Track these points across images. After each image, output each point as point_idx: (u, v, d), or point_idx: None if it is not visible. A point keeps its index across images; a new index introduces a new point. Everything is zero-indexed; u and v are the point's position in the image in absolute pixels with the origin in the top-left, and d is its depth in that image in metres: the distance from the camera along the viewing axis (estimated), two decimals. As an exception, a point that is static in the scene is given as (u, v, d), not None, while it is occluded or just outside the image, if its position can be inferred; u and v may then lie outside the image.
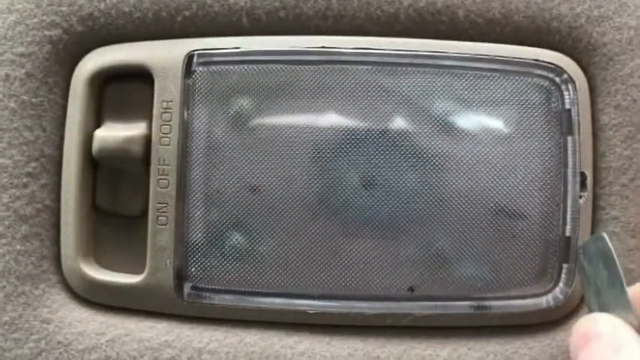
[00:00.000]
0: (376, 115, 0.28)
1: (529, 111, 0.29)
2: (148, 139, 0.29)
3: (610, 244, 0.23)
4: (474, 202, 0.28)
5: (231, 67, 0.29)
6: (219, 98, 0.29)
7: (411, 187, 0.28)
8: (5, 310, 0.28)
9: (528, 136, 0.28)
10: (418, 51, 0.29)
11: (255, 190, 0.28)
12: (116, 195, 0.30)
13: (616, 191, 0.28)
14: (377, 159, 0.28)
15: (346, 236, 0.28)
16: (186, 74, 0.29)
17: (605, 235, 0.23)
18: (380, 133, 0.28)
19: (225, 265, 0.29)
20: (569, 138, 0.28)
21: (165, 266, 0.29)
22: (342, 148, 0.28)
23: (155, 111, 0.29)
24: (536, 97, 0.29)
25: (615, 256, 0.23)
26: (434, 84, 0.29)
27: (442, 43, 0.29)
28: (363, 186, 0.28)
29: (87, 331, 0.29)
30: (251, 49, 0.29)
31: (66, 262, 0.29)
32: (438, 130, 0.28)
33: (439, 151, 0.28)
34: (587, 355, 0.22)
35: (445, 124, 0.28)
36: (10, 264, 0.29)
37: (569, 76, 0.29)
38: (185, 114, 0.29)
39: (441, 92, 0.29)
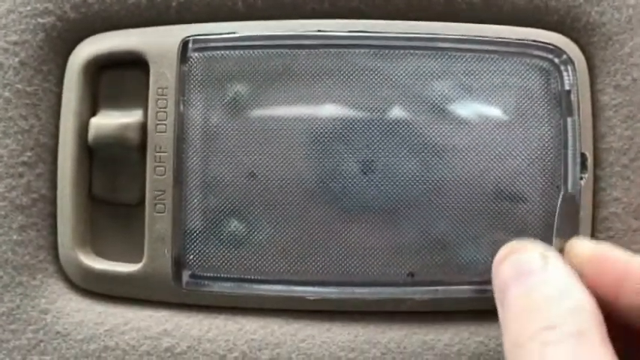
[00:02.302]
0: (374, 99, 0.28)
1: (528, 92, 0.28)
2: (143, 127, 0.29)
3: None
4: (473, 185, 0.28)
5: (227, 52, 0.29)
6: (216, 84, 0.29)
7: (409, 172, 0.28)
8: (3, 300, 0.28)
9: (527, 117, 0.28)
10: (415, 33, 0.29)
11: (252, 176, 0.28)
12: (113, 183, 0.30)
13: (617, 172, 0.28)
14: (375, 143, 0.28)
15: (345, 222, 0.28)
16: (181, 60, 0.29)
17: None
18: (378, 117, 0.28)
19: (224, 252, 0.29)
20: (569, 119, 0.28)
21: (164, 254, 0.28)
22: (340, 133, 0.28)
23: (151, 98, 0.28)
24: (535, 78, 0.28)
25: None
26: (431, 66, 0.28)
27: (439, 25, 0.29)
28: (362, 171, 0.28)
29: (85, 321, 0.28)
30: (247, 34, 0.29)
31: (63, 252, 0.29)
32: (436, 114, 0.28)
33: (438, 134, 0.28)
34: (523, 293, 0.21)
35: (443, 106, 0.28)
36: (6, 254, 0.28)
37: (568, 56, 0.28)
38: (181, 100, 0.28)
39: (439, 75, 0.28)
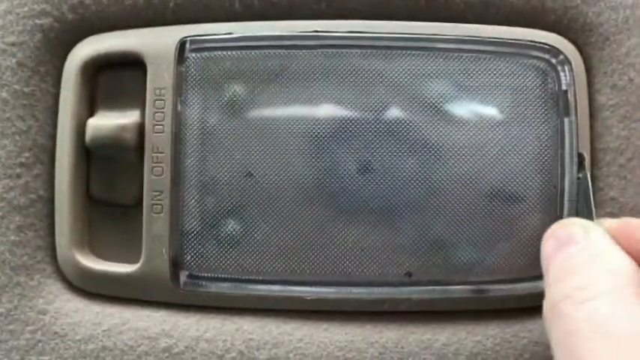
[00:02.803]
0: (371, 99, 0.28)
1: (525, 93, 0.28)
2: (141, 127, 0.29)
3: (589, 182, 0.26)
4: (470, 185, 0.28)
5: (224, 52, 0.29)
6: (213, 84, 0.29)
7: (407, 172, 0.28)
8: (1, 301, 0.28)
9: (524, 118, 0.28)
10: (412, 34, 0.29)
11: (250, 176, 0.28)
12: (110, 184, 0.30)
13: (614, 172, 0.28)
14: (373, 143, 0.28)
15: (343, 222, 0.28)
16: (178, 61, 0.29)
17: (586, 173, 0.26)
18: (375, 117, 0.28)
19: (221, 252, 0.29)
20: (566, 119, 0.28)
21: (161, 255, 0.28)
22: (337, 133, 0.28)
23: (148, 98, 0.28)
24: (532, 78, 0.28)
25: (591, 192, 0.25)
26: (428, 67, 0.28)
27: (436, 25, 0.29)
28: (359, 171, 0.28)
29: (83, 322, 0.28)
30: (244, 35, 0.29)
31: (61, 253, 0.29)
32: (433, 114, 0.28)
33: (435, 134, 0.28)
34: (562, 260, 0.21)
35: (440, 107, 0.28)
36: (4, 255, 0.28)
37: (565, 56, 0.28)
38: (178, 101, 0.28)
39: (436, 75, 0.28)
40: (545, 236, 0.23)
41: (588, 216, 0.25)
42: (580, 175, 0.27)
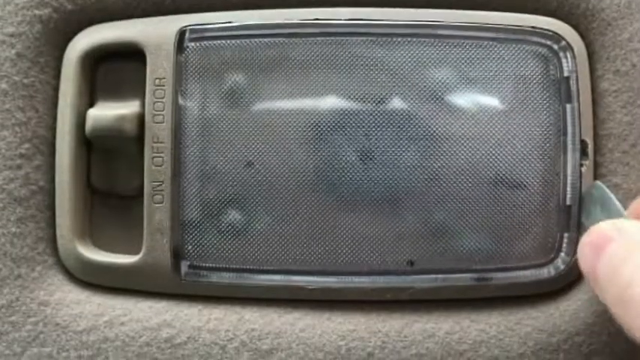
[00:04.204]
0: (372, 87, 0.28)
1: (527, 79, 0.28)
2: (141, 117, 0.28)
3: (605, 188, 0.25)
4: (472, 173, 0.28)
5: (224, 42, 0.29)
6: (213, 74, 0.28)
7: (408, 160, 0.28)
8: (2, 293, 0.28)
9: (526, 105, 0.28)
10: (413, 21, 0.28)
11: (250, 166, 0.28)
12: (111, 175, 0.29)
13: (617, 158, 0.28)
14: (374, 132, 0.28)
15: (344, 211, 0.28)
16: (178, 50, 0.28)
17: (598, 182, 0.26)
18: (376, 105, 0.28)
19: (223, 242, 0.28)
20: (568, 106, 0.28)
21: (162, 245, 0.28)
22: (338, 121, 0.28)
23: (148, 88, 0.28)
24: (534, 65, 0.28)
25: (612, 195, 0.25)
26: (429, 54, 0.28)
27: (437, 12, 0.29)
28: (360, 159, 0.28)
29: (84, 313, 0.28)
30: (243, 24, 0.29)
31: (62, 244, 0.29)
32: (434, 101, 0.28)
33: (436, 121, 0.28)
34: (608, 260, 0.21)
35: (442, 94, 0.28)
36: (5, 246, 0.28)
37: (567, 42, 0.28)
38: (178, 91, 0.28)
39: (437, 62, 0.28)
40: (580, 248, 0.23)
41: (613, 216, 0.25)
42: (593, 189, 0.27)
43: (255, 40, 0.28)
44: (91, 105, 0.29)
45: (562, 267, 0.28)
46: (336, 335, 0.28)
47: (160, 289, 0.29)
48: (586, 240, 0.23)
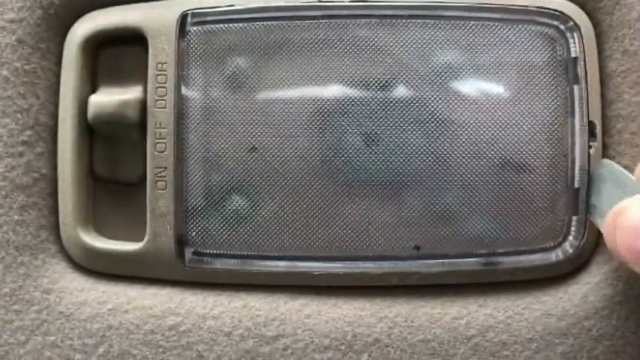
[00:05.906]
0: (377, 70, 0.28)
1: (534, 61, 0.28)
2: (143, 103, 0.28)
3: (614, 164, 0.25)
4: (479, 156, 0.27)
5: (226, 25, 0.28)
6: (215, 58, 0.28)
7: (414, 144, 0.28)
8: (5, 281, 0.28)
9: (533, 86, 0.28)
10: (418, 2, 0.28)
11: (254, 151, 0.28)
12: (114, 161, 0.29)
13: (625, 140, 0.28)
14: (379, 116, 0.28)
15: (349, 195, 0.28)
16: (180, 35, 0.28)
17: (606, 160, 0.26)
18: (381, 88, 0.28)
19: (227, 228, 0.28)
20: (576, 87, 0.28)
21: (166, 232, 0.28)
22: (342, 105, 0.28)
23: (150, 74, 0.28)
24: (540, 46, 0.28)
25: (624, 170, 0.25)
26: (435, 36, 0.28)
27: None
28: (366, 144, 0.28)
29: (88, 301, 0.28)
30: (245, 7, 0.28)
31: (65, 231, 0.29)
32: (440, 83, 0.28)
33: (442, 104, 0.27)
34: None
35: (447, 76, 0.28)
36: (8, 234, 0.28)
37: (575, 22, 0.28)
38: (180, 75, 0.28)
39: (443, 44, 0.28)
40: (609, 227, 0.23)
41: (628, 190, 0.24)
42: (601, 168, 0.26)
43: (258, 23, 0.28)
44: (93, 91, 0.29)
45: (570, 250, 0.28)
46: (342, 321, 0.28)
47: (163, 276, 0.29)
48: (623, 222, 0.22)
